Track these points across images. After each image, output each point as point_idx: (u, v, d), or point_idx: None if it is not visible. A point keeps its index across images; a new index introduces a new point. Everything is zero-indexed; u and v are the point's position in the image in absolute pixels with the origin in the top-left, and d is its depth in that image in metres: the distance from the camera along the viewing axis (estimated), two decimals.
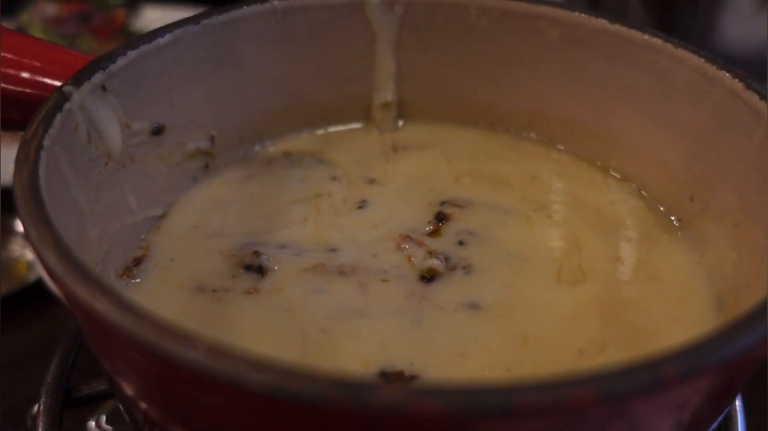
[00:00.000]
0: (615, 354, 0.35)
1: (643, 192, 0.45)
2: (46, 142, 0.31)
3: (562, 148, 0.49)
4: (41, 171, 0.29)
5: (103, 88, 0.37)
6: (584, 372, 0.21)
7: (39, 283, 0.63)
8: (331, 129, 0.51)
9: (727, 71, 0.39)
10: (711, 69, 0.40)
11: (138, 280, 0.38)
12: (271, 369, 0.21)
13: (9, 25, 1.10)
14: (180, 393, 0.24)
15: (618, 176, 0.47)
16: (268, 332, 0.35)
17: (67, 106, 0.34)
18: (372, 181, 0.46)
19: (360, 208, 0.44)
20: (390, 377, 0.33)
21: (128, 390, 0.27)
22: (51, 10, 1.13)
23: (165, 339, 0.21)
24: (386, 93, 0.50)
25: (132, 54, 0.39)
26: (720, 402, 0.27)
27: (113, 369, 0.27)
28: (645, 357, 0.21)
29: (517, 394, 0.20)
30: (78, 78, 0.36)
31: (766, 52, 0.93)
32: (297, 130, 0.50)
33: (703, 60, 0.40)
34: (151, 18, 1.17)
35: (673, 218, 0.43)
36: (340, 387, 0.20)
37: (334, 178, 0.46)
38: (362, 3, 0.48)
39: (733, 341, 0.23)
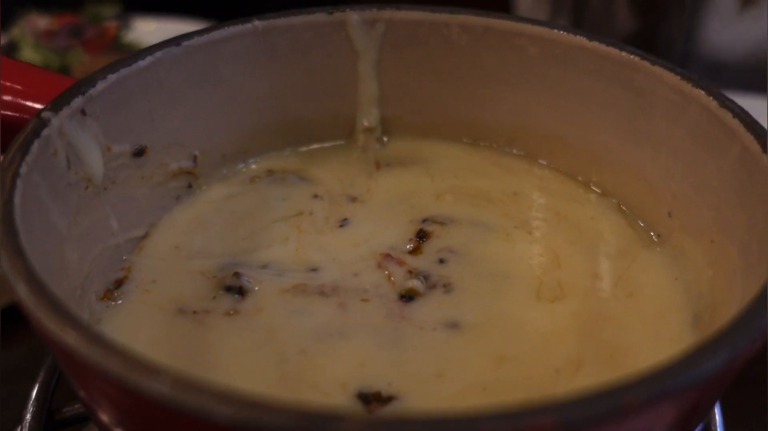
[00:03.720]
0: (592, 372, 0.35)
1: (623, 207, 0.46)
2: (23, 170, 0.32)
3: (544, 162, 0.50)
4: (17, 199, 0.30)
5: (83, 112, 0.37)
6: (543, 401, 0.21)
7: None
8: (315, 146, 0.51)
9: (702, 89, 0.39)
10: (687, 86, 0.40)
11: (120, 302, 0.39)
12: (237, 401, 0.21)
13: (0, 39, 1.11)
14: (150, 423, 0.24)
15: (599, 191, 0.47)
16: (247, 354, 0.35)
17: (45, 132, 0.34)
18: (354, 199, 0.46)
19: (341, 226, 0.44)
20: (368, 398, 0.33)
21: (102, 417, 0.27)
22: (42, 23, 1.13)
23: (131, 371, 0.22)
24: (370, 118, 0.50)
25: (112, 77, 0.39)
26: (688, 423, 0.28)
27: (87, 397, 0.27)
28: (605, 384, 0.22)
29: (479, 425, 0.20)
30: (57, 103, 0.36)
31: (753, 55, 0.94)
32: (280, 148, 0.50)
33: (678, 77, 0.40)
34: (145, 30, 1.18)
35: (652, 234, 0.44)
36: (303, 418, 0.21)
37: (316, 196, 0.46)
38: (343, 21, 0.48)
39: (695, 366, 0.23)
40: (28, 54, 1.11)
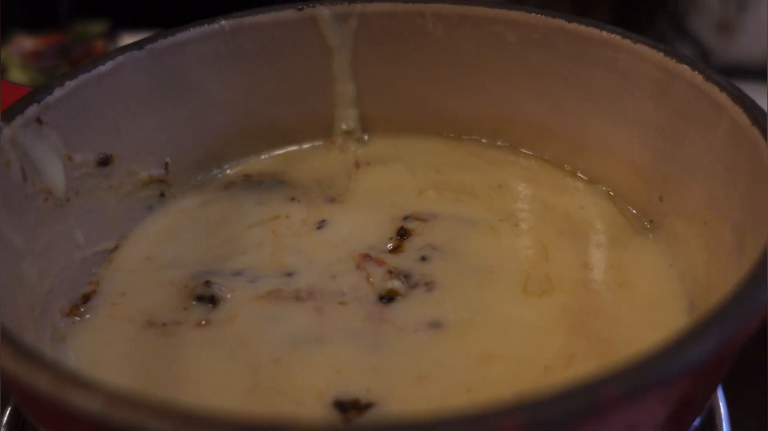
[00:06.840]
0: (583, 367, 0.33)
1: (612, 194, 0.44)
2: None
3: (529, 153, 0.48)
4: None
5: (39, 120, 0.36)
6: (512, 400, 0.19)
7: None
8: (292, 148, 0.49)
9: (687, 64, 0.37)
10: (671, 63, 0.38)
11: (88, 316, 0.37)
12: (174, 416, 0.19)
13: None
14: None
15: (587, 179, 0.45)
16: (218, 366, 0.34)
17: None
18: (332, 200, 0.44)
19: (319, 228, 0.42)
20: (345, 406, 0.31)
21: None
22: (29, 44, 1.12)
23: (63, 389, 0.20)
24: (348, 121, 0.48)
25: (70, 84, 0.38)
26: (683, 416, 0.26)
27: (32, 418, 0.26)
28: (580, 378, 0.20)
29: (442, 429, 0.19)
30: (9, 113, 0.35)
31: None
32: (256, 152, 0.48)
33: (662, 54, 0.39)
34: None
35: (644, 220, 0.42)
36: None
37: (293, 199, 0.44)
38: (314, 17, 0.46)
39: (683, 353, 0.21)
40: (16, 75, 1.11)
